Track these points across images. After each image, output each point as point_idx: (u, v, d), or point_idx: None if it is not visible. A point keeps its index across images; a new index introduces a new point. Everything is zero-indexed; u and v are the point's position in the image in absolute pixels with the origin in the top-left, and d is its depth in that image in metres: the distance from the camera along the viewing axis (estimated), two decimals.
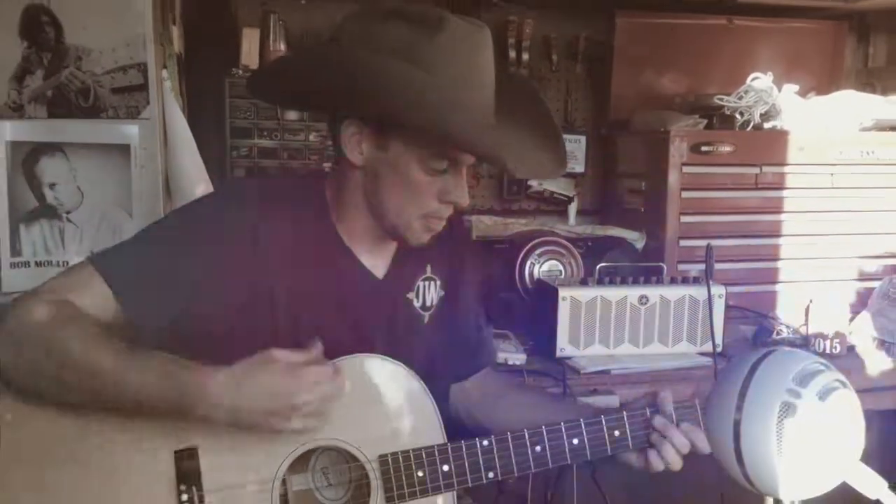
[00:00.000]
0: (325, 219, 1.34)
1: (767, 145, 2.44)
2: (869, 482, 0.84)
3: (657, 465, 1.36)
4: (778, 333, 2.18)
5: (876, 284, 2.37)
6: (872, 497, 0.84)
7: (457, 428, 1.53)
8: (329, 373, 1.20)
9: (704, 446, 1.31)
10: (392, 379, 1.30)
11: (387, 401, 1.29)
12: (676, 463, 1.36)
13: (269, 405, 1.16)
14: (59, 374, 1.15)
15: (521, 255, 2.31)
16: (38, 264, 1.70)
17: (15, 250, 1.69)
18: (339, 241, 1.34)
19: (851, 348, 2.16)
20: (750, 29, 2.81)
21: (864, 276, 2.50)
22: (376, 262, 1.38)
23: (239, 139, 2.41)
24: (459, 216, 1.55)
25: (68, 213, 1.71)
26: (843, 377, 0.85)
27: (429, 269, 1.45)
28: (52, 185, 1.70)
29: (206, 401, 1.14)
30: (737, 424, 0.84)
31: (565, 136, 2.68)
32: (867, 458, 0.88)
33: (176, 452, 1.21)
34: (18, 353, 1.16)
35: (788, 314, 2.37)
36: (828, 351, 2.11)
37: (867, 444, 0.86)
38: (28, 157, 1.69)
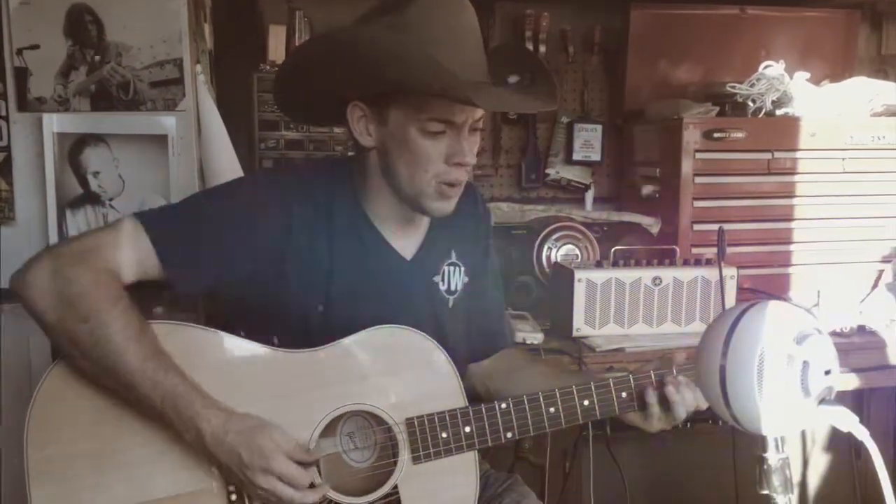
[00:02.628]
0: (354, 201, 1.42)
1: (779, 131, 2.48)
2: (841, 418, 0.92)
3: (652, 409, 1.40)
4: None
5: (886, 266, 2.42)
6: (844, 430, 0.91)
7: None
8: (302, 480, 1.27)
9: (692, 401, 1.36)
10: (417, 349, 1.38)
11: (412, 369, 1.38)
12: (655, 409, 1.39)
13: (236, 465, 1.25)
14: (90, 350, 1.23)
15: (539, 240, 2.38)
16: None
17: (62, 235, 1.80)
18: (369, 222, 1.42)
19: (862, 328, 2.21)
20: (762, 18, 2.84)
21: (874, 259, 2.54)
22: (405, 245, 1.46)
23: (267, 132, 2.49)
24: (485, 202, 1.64)
25: (111, 199, 1.81)
26: (819, 325, 0.93)
27: (453, 255, 1.53)
28: (95, 174, 1.80)
29: (197, 434, 1.25)
30: (722, 369, 0.92)
31: (582, 126, 2.83)
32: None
33: None
34: (62, 314, 1.22)
35: (801, 295, 2.42)
36: (838, 330, 2.16)
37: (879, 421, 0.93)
38: (73, 147, 1.79)
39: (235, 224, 1.33)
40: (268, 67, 2.48)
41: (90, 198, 1.81)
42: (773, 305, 0.97)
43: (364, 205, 1.43)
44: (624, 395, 1.40)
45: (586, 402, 1.39)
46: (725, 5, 2.83)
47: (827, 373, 0.91)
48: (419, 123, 1.32)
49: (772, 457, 0.96)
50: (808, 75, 2.57)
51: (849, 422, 0.91)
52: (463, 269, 1.54)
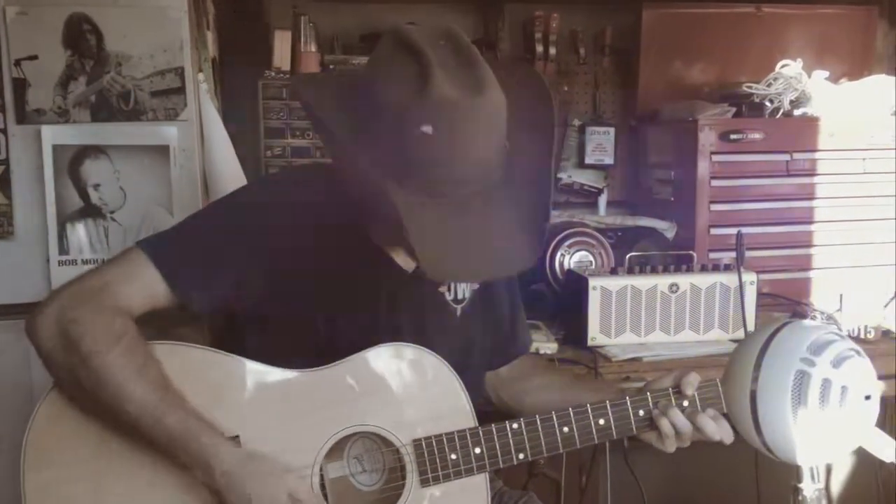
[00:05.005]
0: (356, 216, 1.36)
1: (797, 132, 2.43)
2: (883, 446, 0.85)
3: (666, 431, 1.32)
4: (812, 319, 2.17)
5: None
6: (887, 460, 0.85)
7: (487, 411, 1.57)
8: None
9: (713, 432, 1.26)
10: (423, 366, 1.33)
11: (419, 388, 1.32)
12: (669, 436, 1.31)
13: None
14: (93, 392, 1.20)
15: (552, 247, 2.33)
16: (84, 262, 1.77)
17: (63, 249, 1.76)
18: (369, 237, 1.37)
19: (886, 333, 2.15)
20: (778, 16, 2.79)
21: None
22: (406, 258, 1.40)
23: (273, 139, 2.46)
24: None
25: (112, 212, 1.77)
26: (857, 346, 0.86)
27: None
28: (96, 186, 1.76)
29: (207, 471, 1.20)
30: (753, 394, 0.86)
31: (595, 129, 2.77)
32: None
33: None
34: (65, 357, 1.20)
35: (823, 300, 2.36)
36: (862, 336, 2.10)
37: None
38: (73, 159, 1.74)
39: (239, 238, 1.29)
40: (273, 74, 2.45)
41: (91, 211, 1.77)
42: (807, 325, 0.90)
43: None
44: (641, 413, 1.34)
45: (602, 422, 1.33)
46: (740, 4, 2.77)
47: (867, 398, 0.84)
48: None
49: (807, 487, 0.89)
50: (826, 74, 2.51)
51: (891, 450, 0.85)
52: None
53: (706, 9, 2.77)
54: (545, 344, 2.01)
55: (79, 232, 1.77)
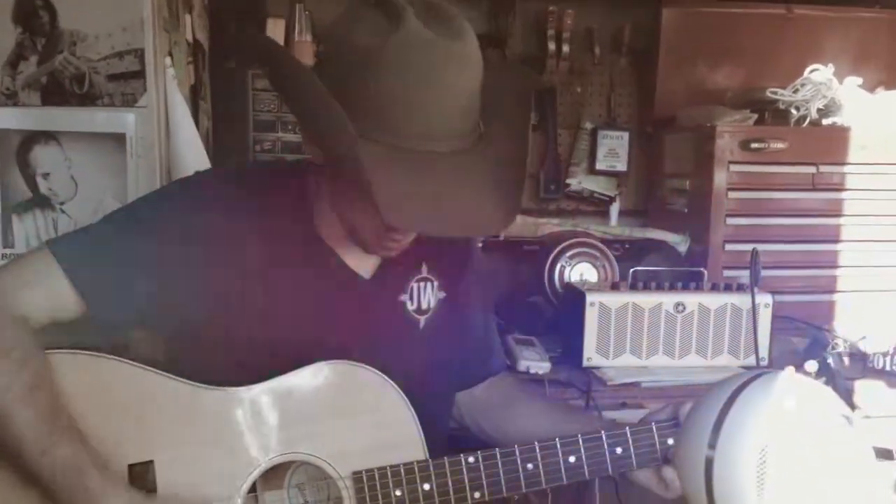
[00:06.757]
0: (304, 213, 1.23)
1: (825, 142, 2.26)
2: None
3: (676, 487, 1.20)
4: (833, 347, 2.00)
5: None
6: None
7: (468, 440, 1.41)
8: None
9: None
10: (367, 388, 1.18)
11: (363, 412, 1.17)
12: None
13: None
14: None
15: (552, 258, 2.18)
16: None
17: (7, 242, 1.63)
18: (318, 238, 1.23)
19: None
20: (811, 19, 2.60)
21: None
22: (362, 262, 1.26)
23: (262, 132, 2.35)
24: None
25: (62, 203, 1.64)
26: (848, 410, 0.68)
27: (424, 268, 1.32)
28: (45, 175, 1.62)
29: None
30: (709, 463, 0.67)
31: (608, 133, 2.61)
32: None
33: (130, 466, 1.11)
34: None
35: (846, 326, 2.19)
36: (887, 368, 1.93)
37: None
38: (21, 145, 1.61)
39: (166, 242, 1.15)
40: None
41: (39, 201, 1.63)
42: (785, 380, 0.71)
43: (316, 217, 1.23)
44: (619, 450, 1.18)
45: (572, 459, 1.18)
46: (770, 4, 2.59)
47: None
48: None
49: None
50: (860, 81, 2.33)
51: None
52: (436, 283, 1.33)
53: (732, 8, 2.59)
54: (537, 363, 1.86)
55: (26, 223, 1.63)
